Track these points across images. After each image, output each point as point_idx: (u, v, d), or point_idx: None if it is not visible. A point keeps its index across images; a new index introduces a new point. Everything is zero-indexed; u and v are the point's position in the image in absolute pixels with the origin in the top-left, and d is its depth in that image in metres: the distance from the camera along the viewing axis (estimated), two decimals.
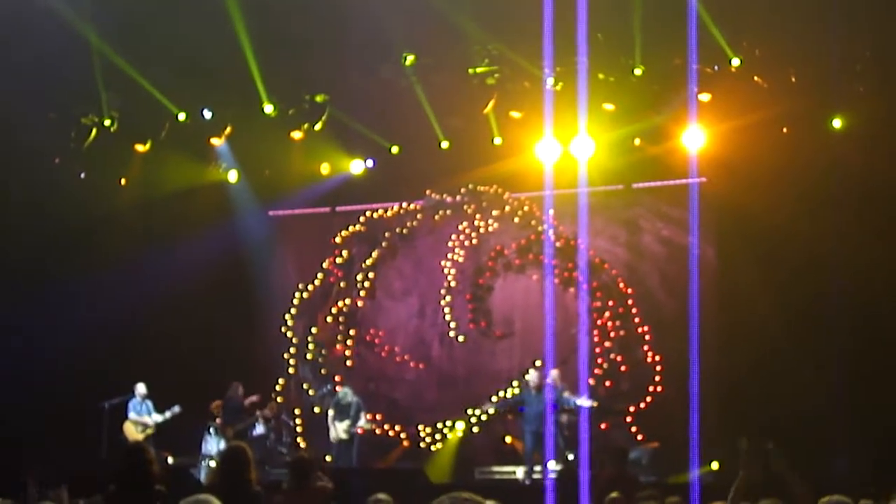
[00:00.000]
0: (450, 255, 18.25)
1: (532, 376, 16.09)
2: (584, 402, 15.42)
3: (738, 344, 15.94)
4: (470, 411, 17.50)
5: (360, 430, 16.78)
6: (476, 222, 18.23)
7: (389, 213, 18.67)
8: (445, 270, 18.22)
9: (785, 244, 15.87)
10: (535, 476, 15.37)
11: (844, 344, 15.41)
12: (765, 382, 15.59)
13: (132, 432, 16.61)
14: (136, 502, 6.80)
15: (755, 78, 15.79)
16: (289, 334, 18.43)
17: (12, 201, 17.75)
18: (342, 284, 18.52)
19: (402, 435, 17.82)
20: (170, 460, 16.37)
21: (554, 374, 16.00)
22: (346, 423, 16.63)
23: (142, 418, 16.70)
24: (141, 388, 16.81)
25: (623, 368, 17.00)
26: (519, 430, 16.44)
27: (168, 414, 16.72)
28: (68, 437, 16.19)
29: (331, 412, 16.94)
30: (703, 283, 14.93)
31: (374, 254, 18.50)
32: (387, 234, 18.54)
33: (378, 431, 17.66)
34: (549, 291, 16.85)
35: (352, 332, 18.35)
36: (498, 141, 17.57)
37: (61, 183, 18.44)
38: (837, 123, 16.02)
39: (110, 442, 16.22)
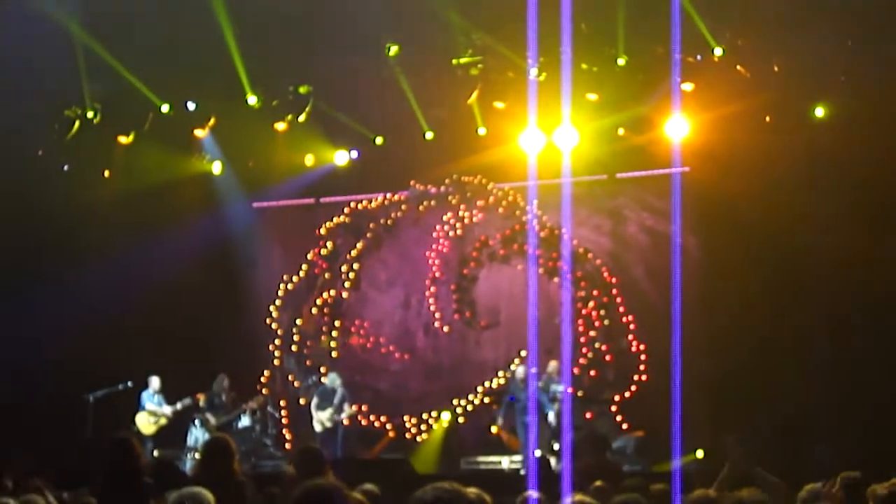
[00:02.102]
0: (434, 246, 18.27)
1: (520, 370, 16.26)
2: (558, 386, 15.61)
3: (722, 333, 16.00)
4: (455, 401, 17.56)
5: (346, 422, 16.78)
6: (460, 213, 18.25)
7: (374, 204, 18.65)
8: (430, 261, 18.24)
9: (768, 233, 15.94)
10: (515, 465, 15.50)
11: (829, 332, 15.49)
12: (749, 371, 15.65)
13: (144, 424, 16.62)
14: (123, 495, 6.80)
15: (738, 67, 15.83)
16: (274, 326, 18.42)
17: None
18: (327, 276, 18.50)
19: (388, 426, 17.84)
20: (155, 452, 16.37)
21: (552, 365, 16.11)
22: (329, 411, 16.64)
23: (158, 409, 16.69)
24: (155, 383, 16.80)
25: (608, 358, 17.06)
26: (510, 422, 16.57)
27: (179, 406, 16.72)
28: (52, 430, 16.16)
29: (314, 400, 16.94)
30: (687, 273, 14.95)
31: (359, 245, 18.49)
32: (371, 226, 18.53)
33: (363, 422, 17.69)
34: (534, 281, 16.88)
35: (337, 324, 18.36)
36: (482, 131, 17.58)
37: (44, 175, 18.38)
38: (820, 112, 16.10)
39: (95, 434, 16.17)
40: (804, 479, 6.18)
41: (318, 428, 16.71)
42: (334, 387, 16.85)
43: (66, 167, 18.85)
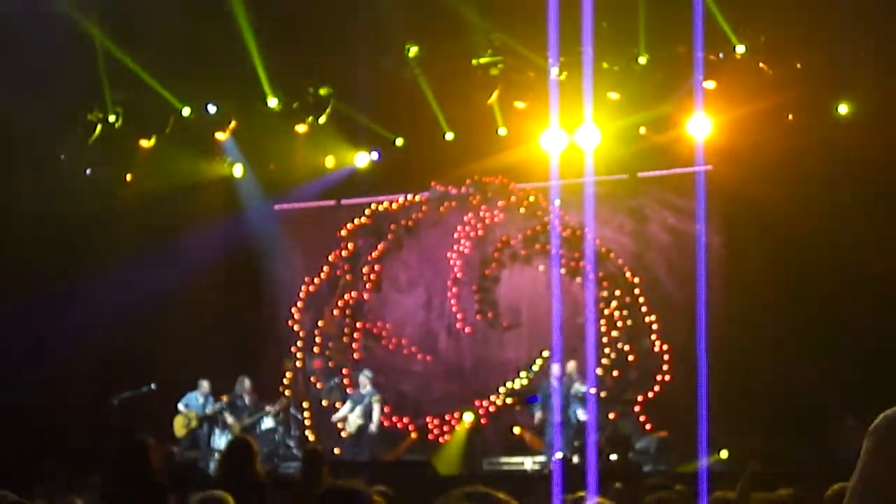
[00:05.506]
0: (456, 247, 18.23)
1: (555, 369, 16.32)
2: (582, 414, 15.59)
3: (746, 332, 15.92)
4: (478, 402, 17.53)
5: (373, 428, 16.65)
6: (482, 213, 18.21)
7: (395, 206, 18.64)
8: (451, 262, 18.21)
9: (792, 231, 15.83)
10: (539, 466, 15.47)
11: (853, 331, 15.37)
12: (773, 370, 15.57)
13: (178, 426, 16.73)
14: (135, 496, 6.78)
15: (760, 65, 15.73)
16: (296, 328, 18.44)
17: (19, 198, 17.74)
18: (348, 277, 18.51)
19: (410, 427, 17.83)
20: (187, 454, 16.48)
21: (570, 365, 16.07)
22: (359, 409, 16.54)
23: (188, 412, 16.76)
24: (204, 386, 16.89)
25: (631, 358, 17.00)
26: (529, 421, 16.60)
27: (218, 406, 16.80)
28: (77, 434, 16.21)
29: (348, 404, 16.88)
30: (711, 272, 14.89)
31: (380, 246, 18.49)
32: (392, 227, 18.52)
33: (386, 423, 17.68)
34: (556, 282, 16.85)
35: (358, 325, 18.36)
36: (503, 131, 17.54)
37: (67, 179, 18.46)
38: (843, 110, 15.97)
39: (120, 436, 16.18)
40: (831, 480, 6.10)
41: (348, 430, 16.62)
42: (365, 385, 16.82)
43: (88, 171, 18.91)
